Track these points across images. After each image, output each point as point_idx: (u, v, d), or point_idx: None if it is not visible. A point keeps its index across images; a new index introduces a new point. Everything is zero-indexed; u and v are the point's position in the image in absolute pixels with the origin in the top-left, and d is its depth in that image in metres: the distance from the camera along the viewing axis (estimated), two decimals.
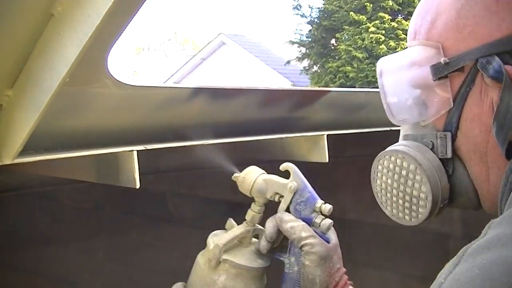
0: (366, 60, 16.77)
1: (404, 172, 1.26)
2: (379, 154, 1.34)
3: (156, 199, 3.24)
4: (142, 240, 3.21)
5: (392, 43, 16.37)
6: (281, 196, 1.51)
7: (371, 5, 16.69)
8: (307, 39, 18.82)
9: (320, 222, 1.47)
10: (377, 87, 1.40)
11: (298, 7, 18.55)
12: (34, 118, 1.31)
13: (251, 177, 1.53)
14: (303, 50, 18.92)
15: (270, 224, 1.51)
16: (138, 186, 1.65)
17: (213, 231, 1.64)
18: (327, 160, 2.25)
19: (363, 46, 16.66)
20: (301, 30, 19.20)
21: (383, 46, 16.35)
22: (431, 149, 1.24)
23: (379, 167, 1.33)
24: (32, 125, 1.32)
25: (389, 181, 1.30)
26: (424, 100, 1.25)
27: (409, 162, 1.25)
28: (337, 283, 1.44)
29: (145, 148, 1.68)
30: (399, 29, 16.50)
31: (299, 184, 1.49)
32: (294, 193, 1.48)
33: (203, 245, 1.59)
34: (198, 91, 1.79)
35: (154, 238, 3.25)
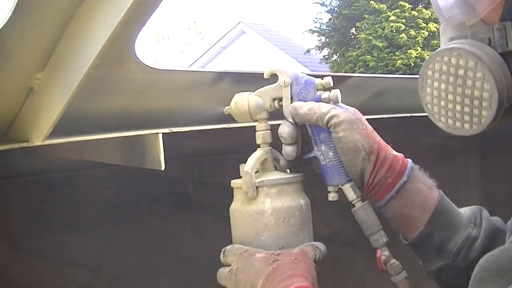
0: (386, 49, 16.71)
1: (461, 72, 1.15)
2: (427, 59, 1.25)
3: (177, 185, 3.26)
4: (163, 227, 3.23)
5: (412, 32, 16.30)
6: (280, 100, 1.46)
7: None
8: (327, 28, 18.78)
9: (329, 96, 1.42)
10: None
11: None
12: (65, 101, 1.34)
13: (243, 99, 1.49)
14: (323, 39, 18.88)
15: (283, 126, 1.43)
16: (163, 168, 1.67)
17: None
18: None
19: (383, 35, 16.60)
20: (321, 19, 19.06)
21: (403, 35, 16.28)
22: (488, 44, 1.12)
23: (429, 72, 1.23)
24: (62, 108, 1.35)
25: (443, 86, 1.19)
26: None
27: (466, 58, 1.13)
28: (377, 149, 1.37)
29: (170, 131, 1.71)
30: (419, 18, 16.42)
31: (290, 76, 1.44)
32: (291, 86, 1.44)
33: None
34: (222, 76, 1.81)
35: (175, 225, 3.27)
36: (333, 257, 3.67)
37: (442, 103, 1.21)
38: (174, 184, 3.16)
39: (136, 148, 1.73)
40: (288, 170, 1.50)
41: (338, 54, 18.46)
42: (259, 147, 1.49)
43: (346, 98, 2.37)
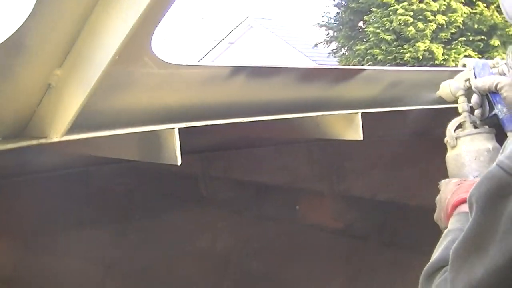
0: (395, 43, 16.65)
1: None
2: (509, 48, 1.80)
3: (188, 180, 3.27)
4: (175, 222, 3.23)
5: (420, 25, 16.23)
6: (469, 80, 2.01)
7: None
8: (334, 22, 18.73)
9: (498, 70, 1.99)
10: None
11: None
12: (83, 97, 1.35)
13: (446, 85, 2.08)
14: (331, 33, 18.83)
15: (473, 97, 1.97)
16: (179, 163, 1.68)
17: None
18: (362, 138, 2.27)
19: (391, 28, 16.54)
20: (329, 12, 18.98)
21: (411, 28, 16.22)
22: None
23: None
24: (81, 104, 1.36)
25: None
26: None
27: None
28: None
29: (186, 126, 1.71)
30: (427, 11, 16.34)
31: (473, 63, 2.01)
32: (474, 70, 1.99)
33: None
34: (237, 70, 1.82)
35: (187, 221, 3.28)
36: (345, 251, 3.68)
37: None
38: (186, 179, 3.17)
39: (153, 144, 1.74)
40: (486, 127, 2.01)
41: (346, 48, 18.41)
42: (461, 114, 2.04)
43: (361, 91, 2.39)
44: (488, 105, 1.98)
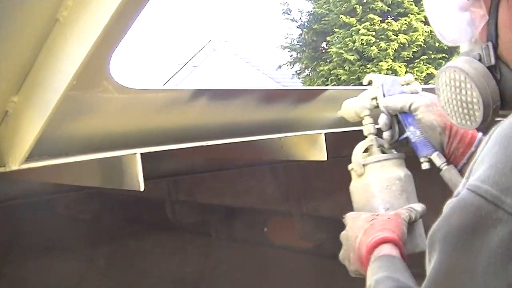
0: (358, 62, 16.78)
1: (457, 83, 1.43)
2: (438, 73, 1.51)
3: (154, 205, 3.25)
4: (142, 247, 3.21)
5: (383, 44, 16.40)
6: (376, 98, 1.82)
7: (361, 7, 16.72)
8: (297, 43, 18.82)
9: (410, 88, 1.81)
10: None
11: (288, 12, 18.55)
12: (41, 123, 1.33)
13: (349, 103, 1.88)
14: (294, 54, 18.91)
15: (380, 118, 1.80)
16: (142, 188, 1.66)
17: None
18: (326, 158, 2.27)
19: (354, 48, 16.67)
20: (292, 34, 19.05)
21: (374, 47, 16.37)
22: (479, 60, 1.38)
23: (440, 83, 1.49)
24: (39, 130, 1.34)
25: (448, 94, 1.46)
26: (466, 19, 1.39)
27: (459, 73, 1.41)
28: (450, 125, 1.71)
29: (148, 151, 1.69)
30: (389, 30, 16.53)
31: (380, 79, 1.83)
32: (382, 86, 1.81)
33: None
34: (198, 93, 1.81)
35: (155, 245, 3.26)
36: (315, 271, 3.67)
37: (451, 106, 1.48)
38: (152, 204, 3.15)
39: (115, 170, 1.72)
40: (394, 152, 1.85)
41: (310, 69, 18.48)
42: (367, 137, 1.84)
43: (324, 111, 2.39)
44: (398, 127, 1.82)
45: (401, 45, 16.58)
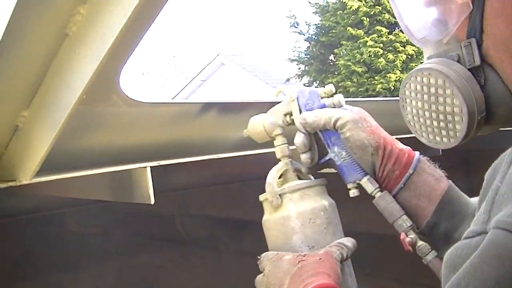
0: (366, 74, 16.83)
1: (433, 90, 1.20)
2: (404, 79, 1.31)
3: (164, 219, 3.25)
4: (152, 261, 3.21)
5: (390, 56, 16.43)
6: (291, 114, 1.55)
7: (368, 19, 16.77)
8: (305, 56, 18.91)
9: (333, 101, 1.52)
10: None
11: (296, 25, 18.65)
12: (51, 138, 1.33)
13: (257, 120, 1.58)
14: (302, 67, 19.00)
15: (296, 137, 1.52)
16: (153, 202, 1.66)
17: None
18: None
19: (361, 60, 16.73)
20: (299, 47, 19.19)
21: (381, 59, 16.41)
22: (458, 61, 1.16)
23: (407, 92, 1.29)
24: (49, 145, 1.34)
25: (419, 104, 1.24)
26: (442, 12, 1.18)
27: (436, 77, 1.18)
28: (383, 144, 1.46)
29: (158, 164, 1.70)
30: (396, 42, 16.57)
31: (295, 91, 1.55)
32: (297, 99, 1.53)
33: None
34: (208, 106, 1.81)
35: (164, 259, 3.25)
36: None
37: (422, 120, 1.25)
38: (162, 218, 3.14)
39: (125, 183, 1.72)
40: (312, 177, 1.58)
41: (318, 82, 18.56)
42: (280, 160, 1.57)
43: None
44: (320, 146, 1.54)
45: (409, 57, 16.61)
